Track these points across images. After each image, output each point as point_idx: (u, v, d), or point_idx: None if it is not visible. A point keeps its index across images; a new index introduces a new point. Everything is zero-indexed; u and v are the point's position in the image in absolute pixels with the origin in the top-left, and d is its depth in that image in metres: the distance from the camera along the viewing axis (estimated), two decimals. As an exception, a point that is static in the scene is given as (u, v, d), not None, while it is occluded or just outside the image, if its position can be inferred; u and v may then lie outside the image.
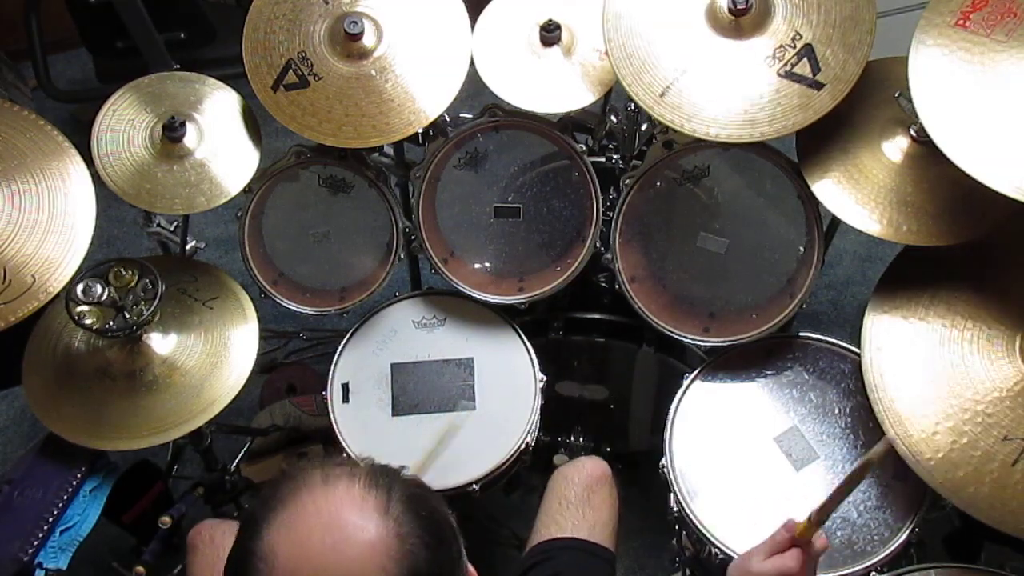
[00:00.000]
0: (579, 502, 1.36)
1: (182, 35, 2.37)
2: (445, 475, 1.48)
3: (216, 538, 1.38)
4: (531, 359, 1.60)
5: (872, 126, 1.41)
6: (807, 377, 1.53)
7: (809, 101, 1.30)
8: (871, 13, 1.31)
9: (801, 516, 1.09)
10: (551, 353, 1.69)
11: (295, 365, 2.23)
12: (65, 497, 1.46)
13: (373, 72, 1.49)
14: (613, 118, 1.72)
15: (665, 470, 1.46)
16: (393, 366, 1.60)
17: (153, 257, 1.70)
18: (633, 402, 1.88)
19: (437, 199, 1.66)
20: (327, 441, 1.82)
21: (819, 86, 1.30)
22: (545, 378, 1.58)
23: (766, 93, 1.31)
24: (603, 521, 1.35)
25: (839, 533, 1.37)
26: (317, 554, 0.70)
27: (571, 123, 1.58)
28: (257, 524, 0.72)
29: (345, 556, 0.70)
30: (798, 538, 1.04)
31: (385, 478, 0.76)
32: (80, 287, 1.36)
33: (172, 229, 1.77)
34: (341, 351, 1.63)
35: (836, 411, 1.49)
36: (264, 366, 2.21)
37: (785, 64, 1.32)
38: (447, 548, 0.76)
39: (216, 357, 1.48)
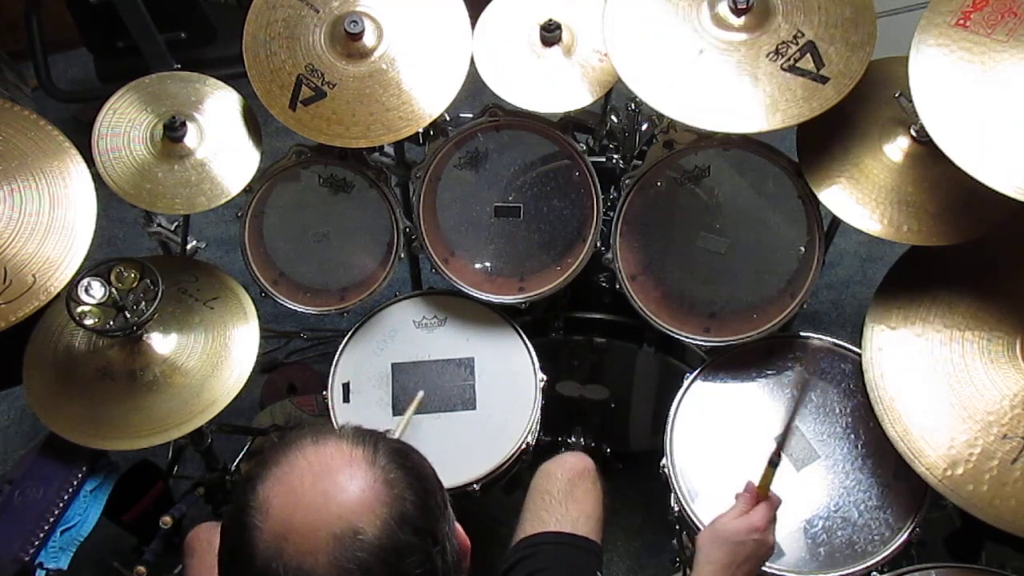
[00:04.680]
0: (562, 496, 1.36)
1: (183, 35, 2.37)
2: (445, 475, 1.45)
3: (213, 541, 1.36)
4: (531, 359, 1.60)
5: (873, 126, 1.41)
6: (808, 377, 1.53)
7: (814, 93, 1.29)
8: (871, 17, 1.31)
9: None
10: (551, 353, 1.69)
11: (296, 365, 2.23)
12: (66, 497, 1.46)
13: (384, 65, 1.49)
14: (614, 118, 1.72)
15: (665, 470, 1.46)
16: (394, 366, 1.61)
17: (154, 257, 1.70)
18: (633, 402, 1.88)
19: (437, 199, 1.66)
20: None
21: (823, 80, 1.30)
22: (545, 378, 1.58)
23: (770, 87, 1.31)
24: (587, 513, 1.35)
25: (839, 533, 1.37)
26: (309, 502, 0.72)
27: (571, 123, 1.58)
28: (252, 481, 0.75)
29: (336, 501, 0.73)
30: (760, 495, 1.19)
31: (370, 436, 0.80)
32: (81, 287, 1.36)
33: (173, 229, 1.77)
34: (342, 351, 1.63)
35: (837, 411, 1.49)
36: (265, 366, 2.21)
37: (788, 59, 1.31)
38: (432, 496, 0.79)
39: (216, 357, 1.48)
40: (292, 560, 0.70)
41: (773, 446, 1.20)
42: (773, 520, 1.18)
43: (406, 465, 0.78)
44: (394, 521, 0.73)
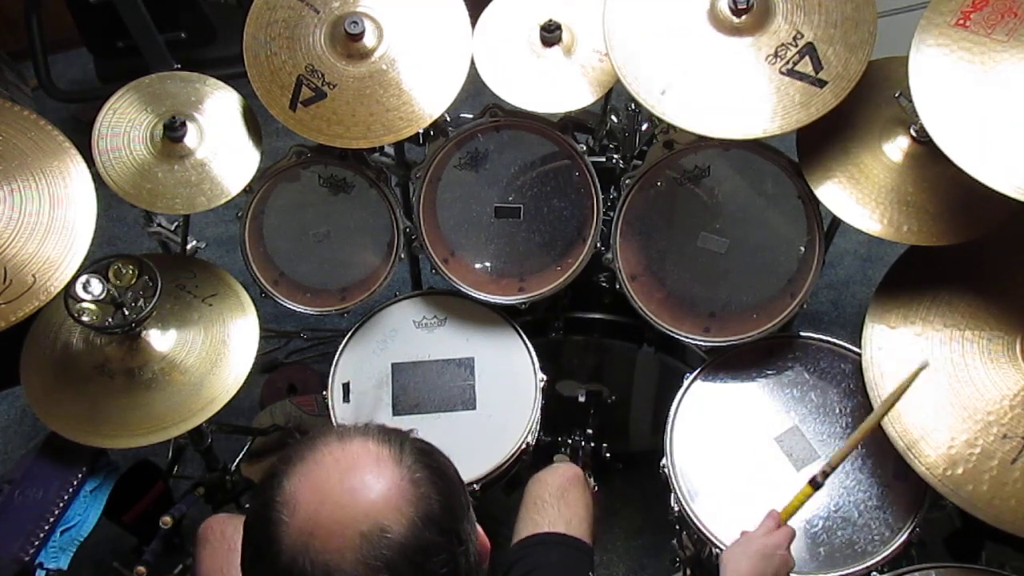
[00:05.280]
0: (554, 500, 1.38)
1: (183, 35, 2.37)
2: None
3: (227, 532, 1.38)
4: (532, 359, 1.60)
5: (872, 126, 1.41)
6: (808, 377, 1.53)
7: (811, 98, 1.30)
8: (872, 12, 1.31)
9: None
10: (551, 353, 1.69)
11: (296, 365, 2.23)
12: (66, 497, 1.46)
13: (384, 66, 1.49)
14: (614, 118, 1.72)
15: (665, 470, 1.46)
16: (394, 366, 1.61)
17: (153, 255, 1.70)
18: (633, 402, 1.88)
19: (438, 199, 1.66)
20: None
21: (821, 84, 1.30)
22: (545, 378, 1.58)
23: (768, 91, 1.31)
24: (579, 516, 1.37)
25: (839, 533, 1.37)
26: (336, 499, 0.72)
27: (571, 123, 1.58)
28: (278, 476, 0.75)
29: (363, 499, 0.73)
30: (782, 519, 1.24)
31: (396, 434, 0.80)
32: (79, 284, 1.36)
33: (173, 229, 1.77)
34: (342, 351, 1.63)
35: (837, 411, 1.49)
36: (265, 366, 2.21)
37: (787, 62, 1.32)
38: (457, 496, 0.79)
39: (215, 354, 1.48)
40: (319, 556, 0.70)
41: (818, 467, 1.25)
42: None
43: (431, 465, 0.78)
44: (420, 520, 0.73)
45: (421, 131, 1.55)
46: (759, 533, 1.21)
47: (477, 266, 1.70)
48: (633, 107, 1.74)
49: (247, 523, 0.77)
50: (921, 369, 1.27)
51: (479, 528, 0.84)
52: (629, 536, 1.97)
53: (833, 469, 1.23)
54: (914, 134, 1.37)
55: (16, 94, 2.61)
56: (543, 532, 1.33)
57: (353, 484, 0.73)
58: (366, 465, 0.75)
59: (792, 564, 1.20)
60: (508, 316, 1.65)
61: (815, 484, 1.23)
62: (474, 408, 1.56)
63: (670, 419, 1.51)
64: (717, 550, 1.36)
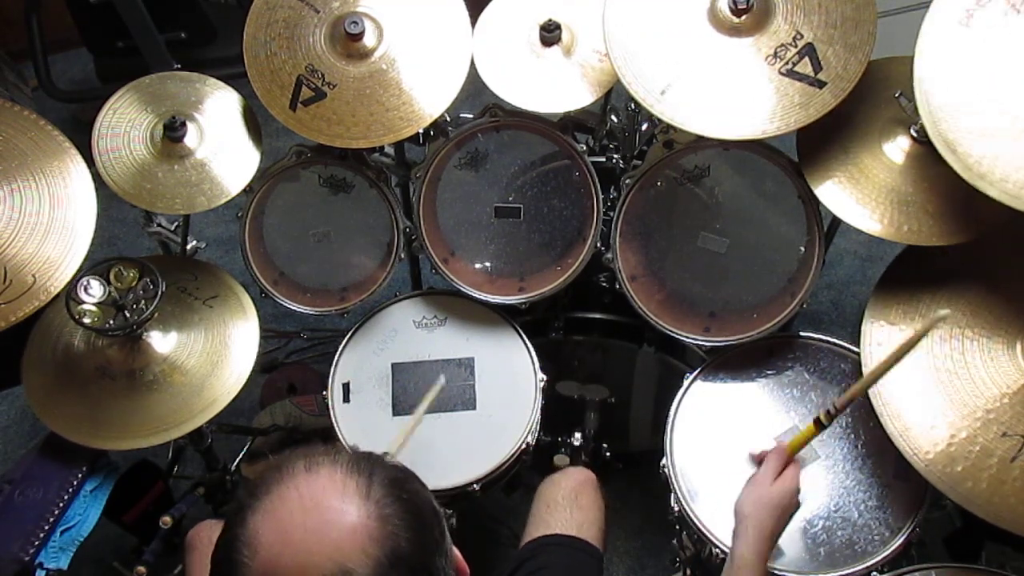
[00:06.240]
0: (567, 503, 1.38)
1: (183, 35, 2.38)
2: (446, 475, 1.48)
3: (215, 538, 1.38)
4: (532, 359, 1.60)
5: (872, 126, 1.41)
6: (808, 377, 1.53)
7: (810, 99, 1.30)
8: (872, 13, 1.31)
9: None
10: (551, 353, 1.69)
11: (296, 365, 2.23)
12: (66, 497, 1.46)
13: (384, 66, 1.49)
14: (614, 118, 1.72)
15: (665, 470, 1.46)
16: (394, 366, 1.61)
17: (154, 256, 1.70)
18: (634, 402, 1.88)
19: (438, 199, 1.66)
20: (327, 441, 1.82)
21: (820, 84, 1.30)
22: (545, 378, 1.58)
23: (767, 91, 1.31)
24: (591, 520, 1.37)
25: (839, 533, 1.37)
26: (299, 539, 0.70)
27: (571, 123, 1.58)
28: (243, 511, 0.74)
29: (326, 539, 0.70)
30: (788, 456, 1.25)
31: (367, 463, 0.77)
32: (80, 286, 1.36)
33: (173, 229, 1.77)
34: (342, 351, 1.63)
35: (837, 411, 1.48)
36: (265, 366, 2.21)
37: (786, 63, 1.32)
38: (429, 530, 0.76)
39: (216, 356, 1.48)
40: None
41: (826, 407, 1.24)
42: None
43: (402, 497, 0.75)
44: (387, 560, 0.70)
45: (421, 131, 1.55)
46: (769, 478, 1.22)
47: (477, 266, 1.70)
48: (633, 107, 1.74)
49: (214, 558, 0.75)
50: (940, 319, 1.25)
51: (457, 554, 0.81)
52: (629, 536, 1.97)
53: (839, 411, 1.24)
54: (914, 134, 1.37)
55: (16, 94, 2.61)
56: (554, 534, 1.32)
57: (316, 523, 0.71)
58: (331, 502, 0.72)
59: (799, 501, 1.24)
60: (508, 316, 1.65)
61: (819, 424, 1.25)
62: (474, 408, 1.56)
63: (670, 419, 1.51)
64: (717, 550, 1.36)
